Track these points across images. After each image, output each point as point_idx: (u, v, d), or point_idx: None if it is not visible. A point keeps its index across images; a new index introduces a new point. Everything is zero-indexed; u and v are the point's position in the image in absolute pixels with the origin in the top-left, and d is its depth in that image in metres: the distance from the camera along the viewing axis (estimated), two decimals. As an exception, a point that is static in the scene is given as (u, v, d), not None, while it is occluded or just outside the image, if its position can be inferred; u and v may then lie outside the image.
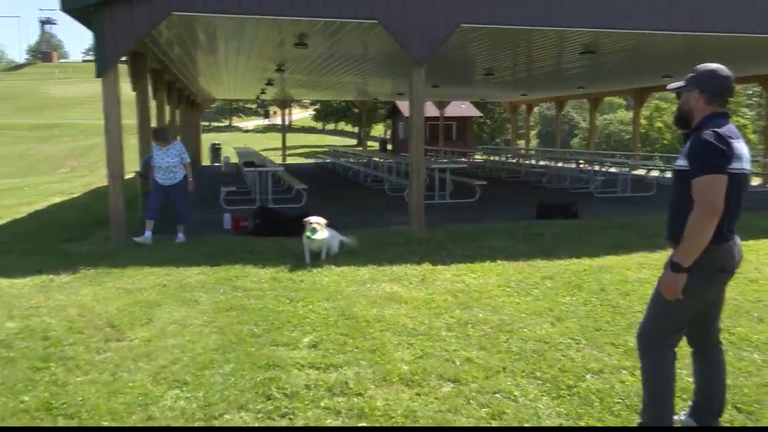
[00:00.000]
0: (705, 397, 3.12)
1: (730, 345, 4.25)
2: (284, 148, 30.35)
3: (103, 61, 8.03)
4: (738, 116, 46.67)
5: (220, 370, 3.94)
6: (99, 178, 20.74)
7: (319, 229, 6.79)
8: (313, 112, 77.18)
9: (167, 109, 16.43)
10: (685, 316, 2.93)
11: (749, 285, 5.77)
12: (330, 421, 3.30)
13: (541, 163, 21.63)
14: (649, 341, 2.98)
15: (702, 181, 2.69)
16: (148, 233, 8.21)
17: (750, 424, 3.24)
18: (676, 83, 2.98)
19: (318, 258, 6.97)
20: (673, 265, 2.78)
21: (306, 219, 6.90)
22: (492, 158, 26.04)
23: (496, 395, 3.58)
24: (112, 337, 4.58)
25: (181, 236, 8.50)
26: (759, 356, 4.12)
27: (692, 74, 2.91)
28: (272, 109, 73.77)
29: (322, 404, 3.47)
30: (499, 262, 6.94)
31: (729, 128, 2.79)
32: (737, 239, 2.90)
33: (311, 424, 3.28)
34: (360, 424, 3.27)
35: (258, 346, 4.34)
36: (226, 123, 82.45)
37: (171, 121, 17.21)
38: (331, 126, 79.41)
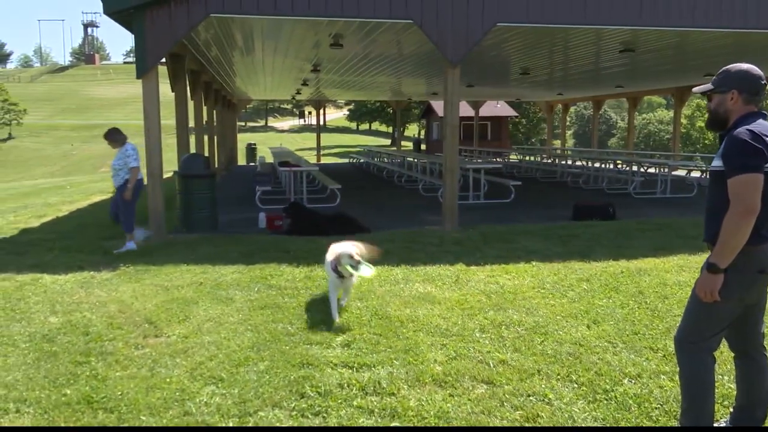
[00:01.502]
0: (747, 404, 3.03)
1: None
2: (319, 147, 30.59)
3: (143, 63, 8.21)
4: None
5: (255, 367, 3.99)
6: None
7: (363, 263, 4.91)
8: (348, 113, 77.63)
9: (204, 109, 16.73)
10: (723, 319, 2.86)
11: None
12: (363, 421, 3.31)
13: (578, 163, 21.30)
14: (687, 345, 2.91)
15: (738, 180, 2.64)
16: (129, 243, 7.88)
17: (796, 433, 3.13)
18: (704, 86, 2.93)
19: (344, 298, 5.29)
20: (709, 266, 2.73)
21: (342, 251, 4.90)
22: (527, 158, 25.76)
23: (531, 398, 3.54)
24: (150, 333, 4.68)
25: (129, 245, 7.85)
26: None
27: (724, 75, 2.85)
28: (307, 109, 74.38)
29: (355, 403, 3.48)
30: (533, 263, 6.85)
31: (765, 126, 2.73)
32: None
33: (344, 423, 3.29)
34: (393, 424, 3.27)
35: (292, 344, 4.38)
36: (261, 123, 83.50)
37: (208, 121, 17.51)
38: (365, 126, 79.76)
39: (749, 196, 2.62)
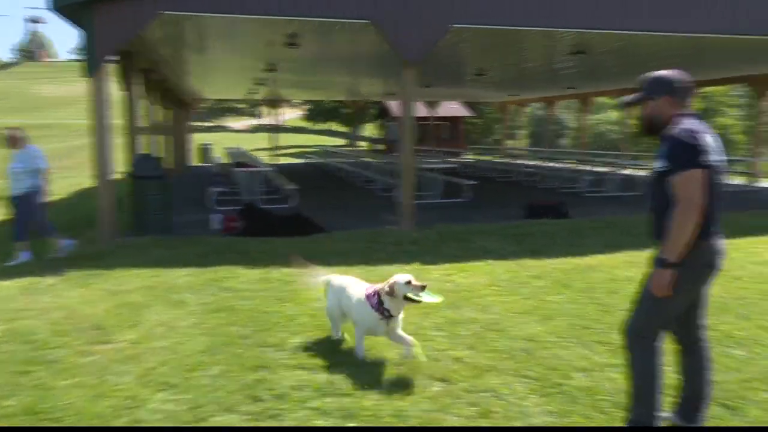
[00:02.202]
0: (691, 394, 3.14)
1: (715, 342, 4.27)
2: (275, 148, 30.29)
3: (92, 61, 7.98)
4: (725, 116, 47.01)
5: (209, 372, 3.92)
6: (88, 179, 20.59)
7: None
8: (304, 112, 77.08)
9: (157, 108, 16.37)
10: (673, 312, 2.98)
11: (733, 282, 5.82)
12: (319, 422, 3.30)
13: (532, 162, 21.70)
14: (638, 339, 3.00)
15: (681, 177, 2.76)
16: (24, 254, 7.51)
17: (735, 419, 3.26)
18: (635, 95, 3.05)
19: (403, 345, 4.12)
20: (660, 262, 2.83)
21: (397, 279, 3.90)
22: (483, 158, 26.10)
23: (485, 394, 3.59)
24: (99, 339, 4.55)
25: (24, 255, 7.44)
26: (742, 352, 4.16)
27: (654, 82, 2.98)
28: (263, 109, 73.66)
29: (311, 405, 3.46)
30: (488, 261, 6.95)
31: (698, 124, 2.88)
32: (721, 237, 2.93)
33: (300, 426, 3.27)
34: (349, 425, 3.26)
35: (246, 347, 4.33)
36: (216, 123, 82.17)
37: (161, 121, 17.14)
38: (322, 126, 79.35)
39: (693, 191, 2.73)
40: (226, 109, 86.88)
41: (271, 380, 3.76)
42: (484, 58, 15.04)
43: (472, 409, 3.40)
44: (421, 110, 29.25)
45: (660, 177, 2.89)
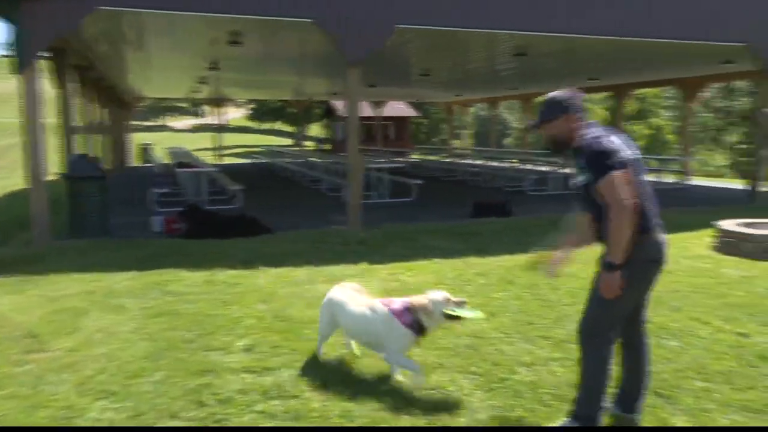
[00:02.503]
0: (631, 385, 3.26)
1: (650, 334, 4.45)
2: (219, 148, 29.72)
3: (23, 57, 7.64)
4: (659, 117, 49.07)
5: (151, 378, 3.82)
6: (20, 179, 19.70)
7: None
8: (249, 112, 75.91)
9: (94, 107, 15.80)
10: (623, 311, 3.08)
11: (667, 276, 6.01)
12: (265, 425, 3.25)
13: (477, 162, 22.06)
14: (593, 339, 3.07)
15: (605, 183, 2.87)
16: None
17: (669, 407, 3.40)
18: (535, 121, 3.19)
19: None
20: (607, 265, 2.92)
21: (433, 297, 3.65)
22: (429, 158, 26.35)
23: (432, 391, 3.62)
24: (34, 348, 4.36)
25: None
26: (676, 343, 4.35)
27: (552, 104, 3.11)
28: (206, 108, 72.11)
29: (257, 408, 3.41)
30: (435, 260, 7.03)
31: (601, 130, 3.04)
32: (661, 229, 3.05)
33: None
34: (296, 426, 3.24)
35: (190, 351, 4.23)
36: (157, 122, 79.99)
37: (98, 120, 16.56)
38: (267, 125, 78.31)
39: (619, 193, 2.84)
40: (167, 108, 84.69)
41: (216, 385, 3.69)
42: (429, 59, 15.20)
43: (419, 406, 3.43)
44: (367, 110, 29.31)
45: (586, 189, 3.02)
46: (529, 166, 19.40)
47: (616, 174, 2.85)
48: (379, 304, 3.79)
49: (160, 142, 42.44)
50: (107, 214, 9.03)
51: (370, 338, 3.84)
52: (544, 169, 17.35)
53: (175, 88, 24.15)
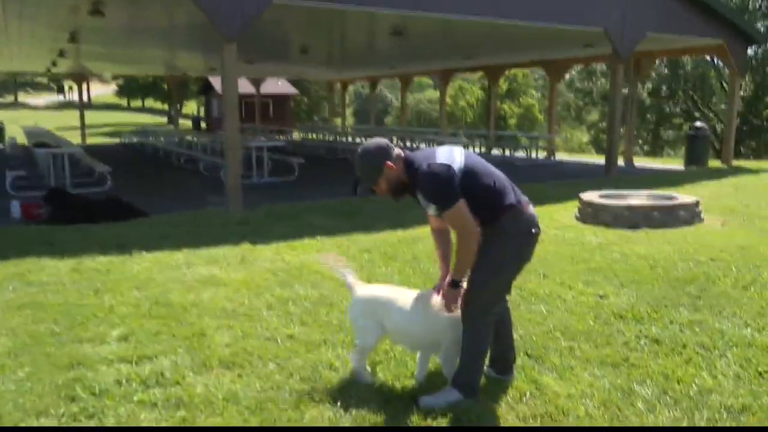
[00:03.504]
0: (501, 351, 3.48)
1: (522, 300, 4.78)
2: (83, 127, 27.58)
3: None
4: (527, 97, 52.01)
5: (13, 376, 3.52)
6: None
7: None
8: (116, 88, 71.08)
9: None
10: (506, 284, 3.29)
11: (538, 246, 6.50)
12: (145, 415, 3.12)
13: (358, 140, 22.20)
14: (480, 313, 3.16)
15: (449, 215, 3.01)
16: None
17: (538, 367, 3.67)
18: (365, 185, 3.17)
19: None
20: (453, 283, 3.11)
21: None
22: (310, 136, 26.15)
23: (318, 368, 3.65)
24: None
25: None
26: (544, 307, 4.69)
27: (371, 159, 3.08)
28: (67, 83, 66.56)
29: (136, 398, 3.27)
30: (318, 238, 7.04)
31: (423, 153, 3.16)
32: (528, 203, 3.22)
33: (123, 422, 3.07)
34: (179, 413, 3.14)
35: (58, 345, 3.95)
36: (10, 99, 72.75)
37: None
38: (137, 103, 73.74)
39: (463, 221, 3.00)
40: (22, 83, 77.31)
41: (89, 378, 3.48)
42: (308, 36, 15.00)
43: (305, 384, 3.44)
44: (247, 87, 28.43)
45: (436, 216, 3.15)
46: (408, 143, 19.84)
47: (456, 206, 2.97)
48: (435, 296, 3.31)
49: (16, 120, 38.72)
50: (-47, 201, 8.14)
51: (435, 338, 3.32)
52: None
53: (31, 61, 21.99)
